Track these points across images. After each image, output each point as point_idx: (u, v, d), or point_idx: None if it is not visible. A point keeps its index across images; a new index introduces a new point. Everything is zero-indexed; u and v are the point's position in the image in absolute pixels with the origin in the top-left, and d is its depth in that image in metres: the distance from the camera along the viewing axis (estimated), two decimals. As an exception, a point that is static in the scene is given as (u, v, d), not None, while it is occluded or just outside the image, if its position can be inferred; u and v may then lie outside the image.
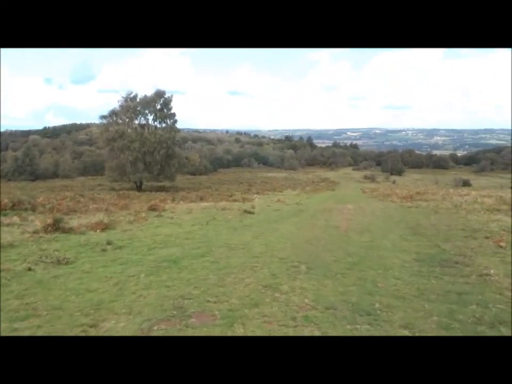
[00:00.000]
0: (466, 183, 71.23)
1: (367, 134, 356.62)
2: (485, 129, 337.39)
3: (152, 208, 16.97)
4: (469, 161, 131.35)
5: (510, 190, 35.88)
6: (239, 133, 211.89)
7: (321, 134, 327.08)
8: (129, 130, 47.33)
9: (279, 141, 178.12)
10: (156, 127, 49.42)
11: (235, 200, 26.53)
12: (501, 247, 7.25)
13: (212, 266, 6.24)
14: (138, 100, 47.91)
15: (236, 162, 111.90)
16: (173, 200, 26.96)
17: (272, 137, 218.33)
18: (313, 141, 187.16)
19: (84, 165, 73.55)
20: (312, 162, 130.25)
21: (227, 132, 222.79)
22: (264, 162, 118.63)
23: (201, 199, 29.78)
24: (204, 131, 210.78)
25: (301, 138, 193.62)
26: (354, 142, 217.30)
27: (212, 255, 7.13)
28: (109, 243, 8.32)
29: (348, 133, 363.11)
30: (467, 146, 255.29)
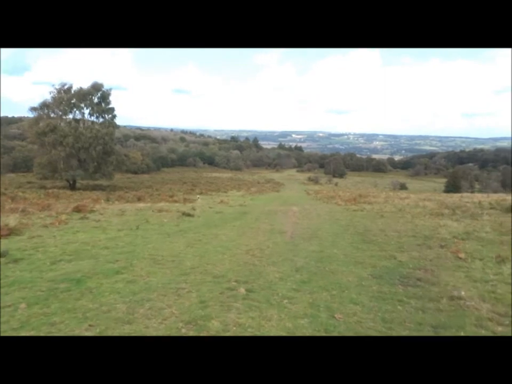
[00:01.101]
0: (403, 186, 74.98)
1: (311, 136, 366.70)
2: (420, 136, 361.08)
3: (78, 209, 15.01)
4: (405, 165, 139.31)
5: (445, 194, 37.68)
6: (184, 131, 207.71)
7: (267, 136, 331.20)
8: (62, 124, 43.54)
9: (225, 141, 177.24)
10: (92, 122, 45.94)
11: (175, 201, 24.95)
12: (460, 258, 6.59)
13: (124, 289, 4.85)
14: (73, 92, 44.20)
15: (181, 161, 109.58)
16: (107, 200, 24.81)
17: (218, 137, 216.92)
18: (259, 142, 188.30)
19: (14, 160, 67.24)
20: (257, 163, 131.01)
21: (172, 130, 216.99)
22: (210, 162, 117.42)
23: (139, 199, 27.85)
24: (148, 129, 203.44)
25: (247, 139, 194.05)
26: (298, 144, 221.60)
27: (130, 272, 5.74)
28: (3, 255, 6.62)
29: (293, 135, 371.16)
30: (403, 151, 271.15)
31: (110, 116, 46.61)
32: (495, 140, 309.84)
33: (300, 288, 5.06)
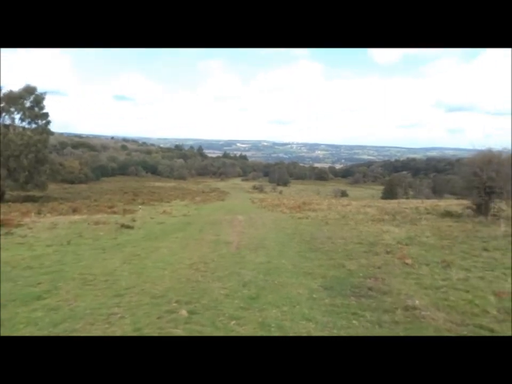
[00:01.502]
0: (344, 194, 77.66)
1: (255, 146, 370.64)
2: (358, 146, 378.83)
3: (2, 224, 13.52)
4: (345, 173, 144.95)
5: (383, 200, 39.40)
6: (126, 139, 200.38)
7: (212, 145, 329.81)
8: (-14, 129, 39.81)
9: (169, 149, 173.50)
10: (24, 128, 42.49)
11: (114, 213, 23.57)
12: (407, 264, 6.56)
13: (44, 319, 4.14)
14: (2, 95, 40.64)
15: (122, 170, 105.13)
16: (38, 213, 22.79)
17: (161, 145, 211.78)
18: (204, 151, 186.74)
19: None
20: (202, 172, 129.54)
21: (113, 138, 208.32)
22: (153, 171, 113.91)
23: (74, 211, 25.99)
24: (87, 136, 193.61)
25: (191, 147, 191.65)
26: (243, 153, 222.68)
27: (54, 296, 4.99)
28: None
29: (238, 144, 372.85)
30: (343, 160, 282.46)
31: (43, 121, 43.37)
32: (426, 149, 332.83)
33: (248, 305, 4.65)
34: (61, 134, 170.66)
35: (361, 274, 6.07)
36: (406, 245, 8.60)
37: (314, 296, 5.02)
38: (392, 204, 27.09)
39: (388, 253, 7.73)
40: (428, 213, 18.20)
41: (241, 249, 8.77)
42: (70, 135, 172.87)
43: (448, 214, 17.37)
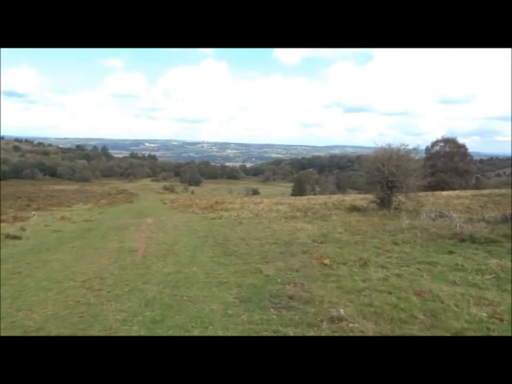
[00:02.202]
0: (255, 192, 78.94)
1: (165, 145, 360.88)
2: (267, 144, 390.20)
3: None
4: (256, 172, 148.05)
5: (293, 197, 40.50)
6: (18, 140, 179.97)
7: (118, 144, 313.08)
8: None
9: (70, 150, 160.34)
10: None
11: (2, 221, 20.46)
12: (325, 265, 6.28)
13: None
14: None
15: (15, 173, 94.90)
16: None
17: (61, 145, 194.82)
18: (109, 151, 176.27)
19: None
20: (108, 174, 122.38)
21: (3, 138, 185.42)
22: (52, 173, 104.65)
23: None
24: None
25: (95, 147, 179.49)
26: (152, 153, 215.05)
27: None
28: None
29: (146, 144, 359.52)
30: (254, 159, 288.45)
31: None
32: (329, 147, 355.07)
33: (150, 331, 3.84)
34: None
35: (279, 280, 5.59)
36: (321, 243, 8.44)
37: (229, 312, 4.36)
38: (302, 201, 27.71)
39: (304, 253, 7.43)
40: (336, 208, 18.76)
41: (148, 258, 7.81)
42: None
43: (354, 208, 18.07)
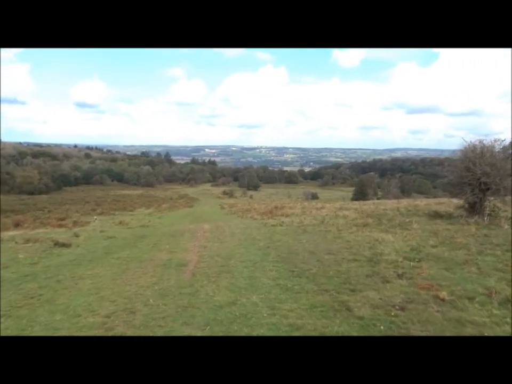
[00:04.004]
0: (314, 196, 76.54)
1: (224, 151, 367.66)
2: (326, 148, 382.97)
3: None
4: (314, 176, 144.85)
5: (357, 202, 37.86)
6: (89, 147, 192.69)
7: (180, 151, 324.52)
8: None
9: (135, 156, 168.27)
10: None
11: (62, 226, 20.60)
12: (442, 300, 4.38)
13: None
14: None
15: (86, 179, 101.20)
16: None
17: (128, 152, 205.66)
18: (172, 157, 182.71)
19: None
20: (171, 179, 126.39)
21: (76, 146, 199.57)
22: (119, 179, 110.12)
23: (17, 225, 22.78)
24: (48, 145, 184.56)
25: (158, 154, 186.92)
26: (212, 158, 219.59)
27: None
28: None
29: (206, 149, 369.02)
30: (312, 163, 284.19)
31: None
32: (391, 150, 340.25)
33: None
34: (20, 143, 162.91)
35: (382, 328, 3.81)
36: (417, 261, 6.49)
37: None
38: (368, 205, 25.22)
39: (400, 276, 5.55)
40: (413, 214, 16.39)
41: (197, 276, 6.38)
42: (30, 145, 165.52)
43: (437, 214, 15.57)
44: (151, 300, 5.05)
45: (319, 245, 9.13)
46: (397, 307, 4.29)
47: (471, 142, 14.48)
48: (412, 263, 6.33)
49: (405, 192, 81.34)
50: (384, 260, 6.75)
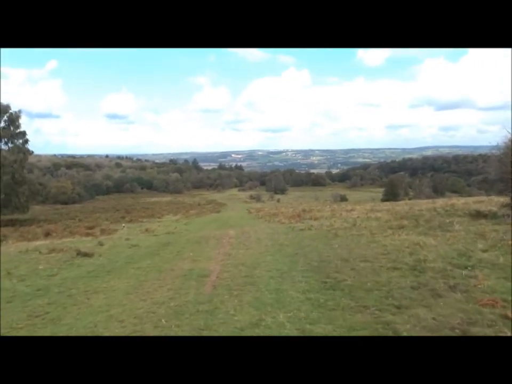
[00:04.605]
0: (343, 198, 74.91)
1: (250, 155, 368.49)
2: (353, 149, 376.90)
3: None
4: (342, 178, 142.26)
5: (388, 203, 36.39)
6: (120, 157, 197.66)
7: (207, 157, 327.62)
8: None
9: (164, 164, 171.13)
10: (0, 148, 39.53)
11: (88, 234, 20.60)
12: (507, 318, 3.57)
13: None
14: (-27, 116, 37.67)
15: (117, 188, 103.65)
16: (0, 240, 19.72)
17: (157, 161, 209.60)
18: (199, 164, 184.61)
19: None
20: (198, 185, 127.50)
21: (107, 156, 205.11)
22: (148, 186, 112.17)
23: (47, 234, 23.08)
24: (81, 156, 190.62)
25: (186, 161, 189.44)
26: (239, 163, 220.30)
27: None
28: None
29: (232, 155, 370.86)
30: (339, 164, 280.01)
31: (21, 140, 40.48)
32: (421, 149, 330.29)
33: None
34: (54, 155, 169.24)
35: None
36: (469, 269, 5.62)
37: None
38: (401, 206, 23.94)
39: (453, 289, 4.71)
40: (452, 214, 15.26)
41: (218, 289, 5.77)
42: (64, 156, 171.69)
43: (479, 214, 14.35)
44: (163, 320, 4.44)
45: (352, 251, 8.34)
46: (457, 330, 3.49)
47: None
48: (463, 272, 5.47)
49: (437, 191, 78.53)
50: (430, 268, 5.90)
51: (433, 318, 3.81)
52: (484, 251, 6.98)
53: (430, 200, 29.44)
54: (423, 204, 23.24)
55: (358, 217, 18.03)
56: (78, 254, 11.00)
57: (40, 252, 12.09)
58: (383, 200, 62.38)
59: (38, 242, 16.81)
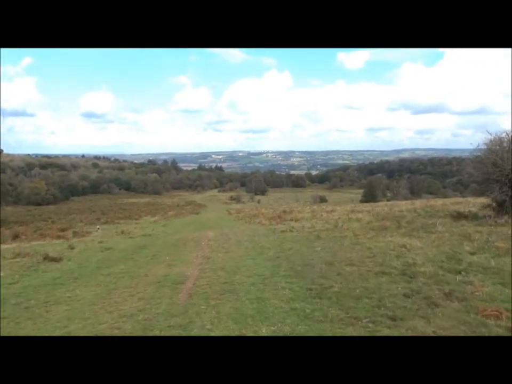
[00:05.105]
0: (322, 199, 75.27)
1: (230, 156, 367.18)
2: (333, 151, 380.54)
3: None
4: (322, 179, 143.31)
5: (368, 204, 36.54)
6: (97, 157, 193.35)
7: (187, 158, 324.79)
8: None
9: (142, 164, 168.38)
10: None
11: (59, 237, 19.67)
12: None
13: None
14: None
15: (94, 189, 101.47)
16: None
17: (135, 161, 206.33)
18: (179, 164, 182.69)
19: None
20: (178, 186, 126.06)
21: (83, 156, 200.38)
22: (127, 187, 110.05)
23: (16, 237, 21.97)
24: (56, 156, 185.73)
25: (165, 161, 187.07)
26: (219, 164, 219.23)
27: None
28: None
29: (213, 156, 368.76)
30: (319, 166, 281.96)
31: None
32: (398, 151, 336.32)
33: None
34: (28, 155, 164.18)
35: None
36: (462, 274, 5.30)
37: None
38: (381, 207, 23.92)
39: (448, 297, 4.34)
40: (432, 216, 15.17)
41: (194, 298, 5.26)
42: (38, 156, 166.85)
43: (460, 215, 14.28)
44: (134, 327, 3.93)
45: (336, 254, 7.98)
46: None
47: (496, 135, 13.29)
48: (457, 277, 5.13)
49: (414, 193, 79.94)
50: (421, 272, 5.55)
51: (434, 332, 3.43)
52: (472, 254, 6.72)
53: (409, 202, 29.61)
54: (402, 205, 23.24)
55: (339, 218, 17.79)
56: (45, 258, 10.26)
57: (4, 257, 11.27)
58: (362, 201, 63.06)
59: (4, 246, 15.83)
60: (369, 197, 70.26)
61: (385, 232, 11.28)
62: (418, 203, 24.68)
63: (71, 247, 13.15)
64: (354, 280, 5.51)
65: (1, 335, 4.19)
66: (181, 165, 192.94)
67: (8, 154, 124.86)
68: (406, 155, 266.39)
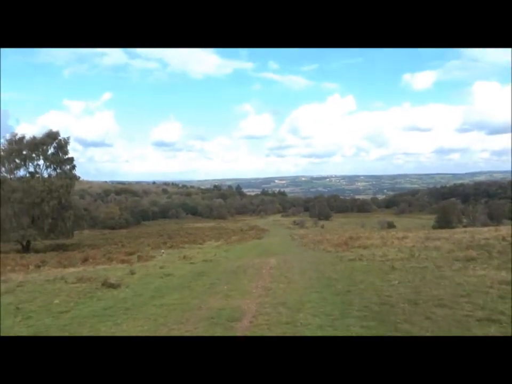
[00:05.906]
0: (390, 225, 71.20)
1: (293, 181, 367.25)
2: (400, 175, 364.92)
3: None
4: (389, 204, 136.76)
5: (443, 230, 33.42)
6: (166, 183, 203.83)
7: (250, 183, 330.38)
8: (11, 177, 38.63)
9: (208, 190, 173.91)
10: (49, 174, 41.03)
11: (124, 261, 19.92)
12: None
13: None
14: (25, 142, 39.44)
15: (163, 213, 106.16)
16: (37, 266, 19.45)
17: (201, 187, 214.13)
18: (243, 190, 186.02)
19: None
20: (242, 211, 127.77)
21: (154, 183, 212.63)
22: (193, 212, 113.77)
23: (85, 260, 22.62)
24: (129, 183, 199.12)
25: (230, 187, 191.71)
26: (282, 189, 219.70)
27: None
28: None
29: (276, 181, 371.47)
30: (385, 190, 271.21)
31: (68, 166, 41.76)
32: (473, 174, 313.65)
33: None
34: (105, 182, 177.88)
35: None
36: None
37: None
38: (460, 234, 21.39)
39: None
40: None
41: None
42: (114, 183, 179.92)
43: None
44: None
45: (419, 290, 6.73)
46: None
47: None
48: None
49: (493, 218, 73.07)
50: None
51: None
52: None
53: (492, 228, 26.46)
54: (485, 232, 20.68)
55: (413, 246, 16.13)
56: (103, 284, 10.06)
57: (66, 281, 11.31)
58: (435, 227, 58.67)
59: (71, 269, 16.26)
60: (443, 222, 65.37)
61: (473, 263, 9.72)
62: (504, 230, 21.83)
63: (132, 272, 13.00)
64: (451, 329, 4.33)
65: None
66: (245, 190, 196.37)
67: (87, 182, 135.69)
68: (482, 178, 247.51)
